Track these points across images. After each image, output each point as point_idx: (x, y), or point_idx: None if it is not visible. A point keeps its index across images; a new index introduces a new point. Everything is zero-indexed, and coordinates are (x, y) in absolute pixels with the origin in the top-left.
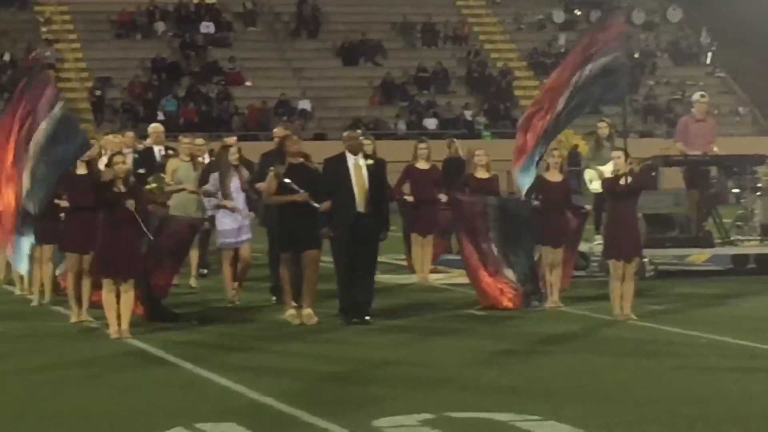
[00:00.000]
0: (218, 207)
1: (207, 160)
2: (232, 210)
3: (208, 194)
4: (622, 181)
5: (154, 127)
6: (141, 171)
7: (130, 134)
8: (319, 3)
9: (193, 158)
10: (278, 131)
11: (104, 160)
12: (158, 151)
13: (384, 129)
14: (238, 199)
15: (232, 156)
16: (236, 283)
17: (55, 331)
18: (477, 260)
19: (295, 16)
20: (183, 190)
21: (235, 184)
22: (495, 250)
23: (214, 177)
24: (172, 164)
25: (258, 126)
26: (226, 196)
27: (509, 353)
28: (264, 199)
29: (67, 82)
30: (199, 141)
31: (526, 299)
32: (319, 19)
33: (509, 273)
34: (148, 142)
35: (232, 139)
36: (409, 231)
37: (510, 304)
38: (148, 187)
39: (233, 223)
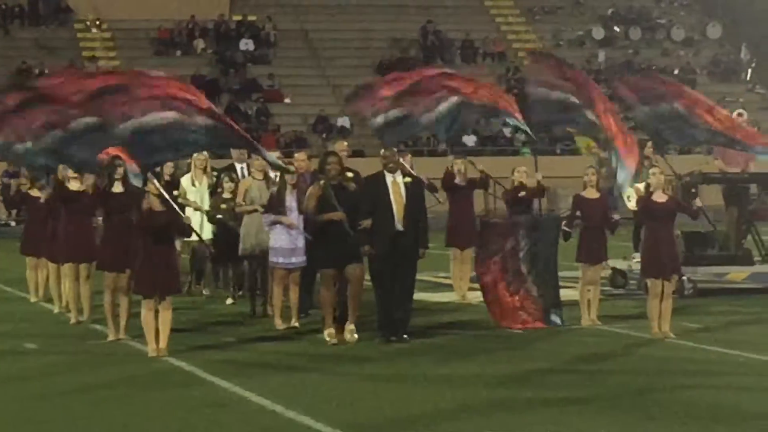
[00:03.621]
0: (274, 223)
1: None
2: (289, 226)
3: (268, 209)
4: (657, 199)
5: None
6: (220, 190)
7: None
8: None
9: (265, 176)
10: (338, 146)
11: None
12: (240, 168)
13: (422, 146)
14: (295, 217)
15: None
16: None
17: (93, 350)
18: (499, 280)
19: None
20: (255, 210)
21: (291, 201)
22: (523, 268)
23: (272, 192)
24: (244, 183)
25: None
26: (282, 212)
27: (546, 372)
28: (307, 212)
29: None
30: (301, 156)
31: (546, 314)
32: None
33: (532, 289)
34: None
35: (300, 155)
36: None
37: (529, 319)
38: (223, 206)
39: (288, 243)
